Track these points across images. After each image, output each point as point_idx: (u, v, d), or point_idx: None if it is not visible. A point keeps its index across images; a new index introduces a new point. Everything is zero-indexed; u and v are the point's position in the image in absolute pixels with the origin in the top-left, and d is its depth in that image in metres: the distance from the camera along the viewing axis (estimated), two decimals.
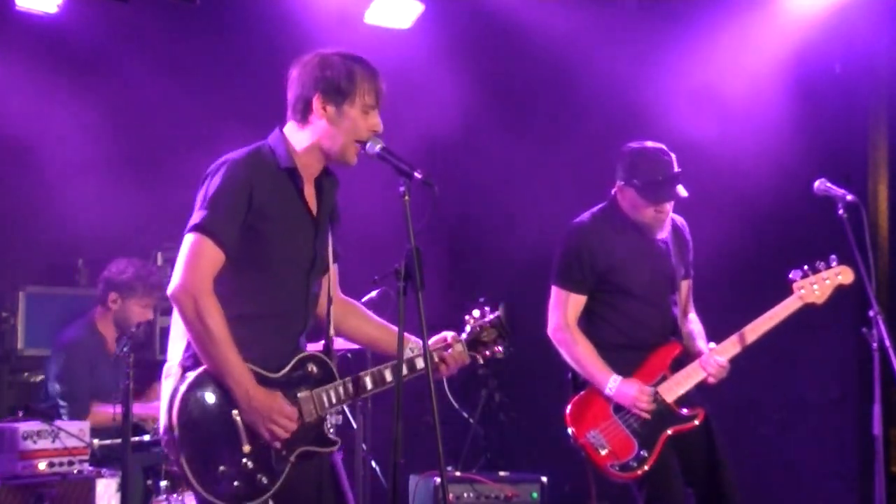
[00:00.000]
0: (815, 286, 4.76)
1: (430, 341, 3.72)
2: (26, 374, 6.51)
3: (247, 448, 3.44)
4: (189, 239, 3.46)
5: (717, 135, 6.68)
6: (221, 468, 3.40)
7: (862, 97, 6.77)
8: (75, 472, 5.11)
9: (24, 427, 5.02)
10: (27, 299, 6.50)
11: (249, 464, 3.44)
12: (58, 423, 5.16)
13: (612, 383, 4.84)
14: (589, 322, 5.02)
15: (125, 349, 5.01)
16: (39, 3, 6.22)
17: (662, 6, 7.07)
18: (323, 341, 3.78)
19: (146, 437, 5.74)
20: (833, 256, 4.74)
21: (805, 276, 4.80)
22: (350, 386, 3.66)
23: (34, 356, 6.42)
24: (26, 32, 6.57)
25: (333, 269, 3.83)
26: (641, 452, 4.80)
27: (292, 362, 3.59)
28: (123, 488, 4.99)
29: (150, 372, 6.10)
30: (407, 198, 3.43)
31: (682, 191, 4.82)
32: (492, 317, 3.99)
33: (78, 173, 6.89)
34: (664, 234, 4.94)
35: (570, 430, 4.92)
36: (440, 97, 7.12)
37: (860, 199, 4.67)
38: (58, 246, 6.92)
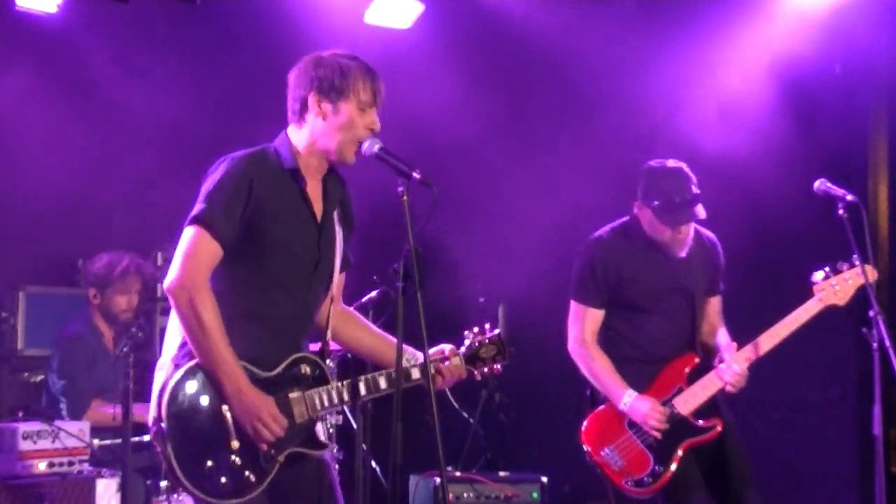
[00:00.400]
0: (837, 287, 4.72)
1: (430, 352, 3.70)
2: (26, 374, 6.51)
3: (235, 444, 3.42)
4: (187, 232, 3.47)
5: (717, 135, 6.67)
6: (209, 463, 3.39)
7: (862, 97, 6.77)
8: (75, 472, 5.11)
9: (24, 427, 5.02)
10: (27, 299, 6.50)
11: (237, 460, 3.42)
12: (58, 423, 5.16)
13: (627, 398, 4.83)
14: (605, 336, 5.01)
15: (125, 349, 5.01)
16: (39, 2, 6.22)
17: (662, 6, 7.07)
18: (319, 343, 3.78)
19: (146, 438, 5.74)
20: (855, 255, 4.69)
21: (826, 277, 4.74)
22: (343, 390, 3.64)
23: (34, 356, 6.42)
24: (26, 32, 6.57)
25: (341, 277, 3.83)
26: (656, 468, 4.79)
27: (286, 362, 3.58)
28: (123, 488, 4.99)
29: (150, 372, 6.10)
30: (406, 198, 3.43)
31: (700, 212, 4.79)
32: (492, 334, 3.96)
33: (78, 173, 6.89)
34: (684, 252, 4.91)
35: (585, 448, 4.91)
36: (440, 97, 7.12)
37: (860, 199, 4.66)
38: (58, 246, 6.92)
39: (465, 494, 6.34)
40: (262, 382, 3.49)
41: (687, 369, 4.88)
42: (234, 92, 7.03)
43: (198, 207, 3.47)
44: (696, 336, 5.00)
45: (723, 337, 4.98)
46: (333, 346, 3.88)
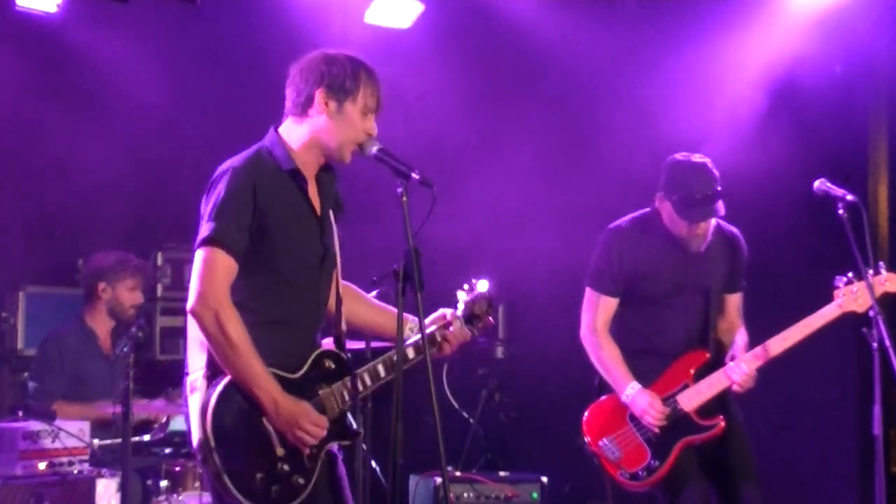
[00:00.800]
0: (858, 294, 4.69)
1: (429, 319, 3.77)
2: (26, 374, 6.50)
3: (280, 451, 3.46)
4: (201, 253, 3.46)
5: (717, 135, 6.67)
6: (259, 475, 3.42)
7: (862, 97, 6.77)
8: (75, 472, 5.11)
9: (24, 427, 5.02)
10: (27, 299, 6.51)
11: (285, 467, 3.46)
12: (58, 423, 5.15)
13: (630, 390, 4.82)
14: (618, 327, 5.00)
15: (125, 349, 5.01)
16: (39, 2, 6.22)
17: (662, 6, 7.07)
18: (332, 336, 3.79)
19: (146, 438, 5.74)
20: (881, 263, 4.64)
21: (849, 283, 4.70)
22: (366, 377, 3.69)
23: (34, 356, 6.42)
24: (26, 32, 6.57)
25: None
26: (653, 462, 4.79)
27: (309, 361, 3.61)
28: (123, 488, 4.99)
29: (150, 372, 6.11)
30: (405, 199, 3.44)
31: (720, 209, 4.77)
32: (482, 290, 4.00)
33: (77, 173, 6.89)
34: (702, 248, 4.89)
35: (585, 437, 4.91)
36: (440, 97, 7.12)
37: (860, 199, 4.65)
38: (58, 246, 6.92)
39: (465, 494, 6.34)
40: (291, 385, 3.51)
41: (695, 366, 4.87)
42: (234, 92, 7.03)
43: (208, 227, 3.46)
44: (709, 333, 4.97)
45: (740, 336, 4.96)
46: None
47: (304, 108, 3.63)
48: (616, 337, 4.97)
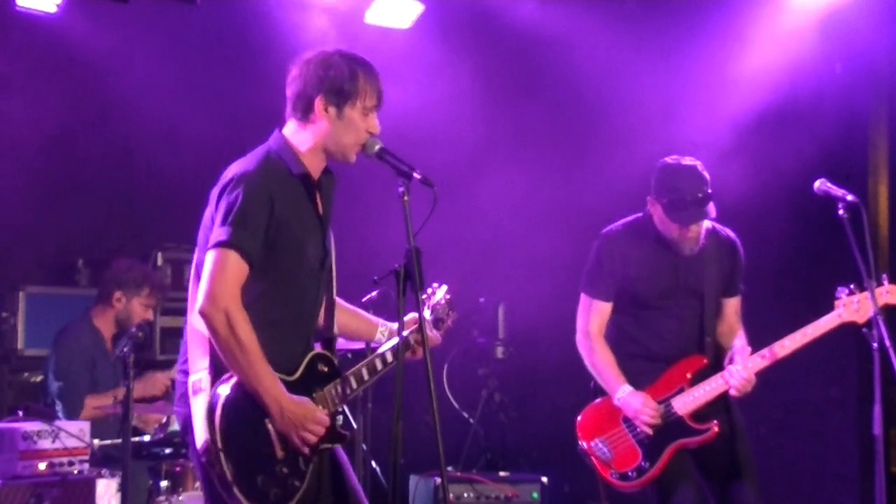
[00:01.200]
0: (857, 305, 4.67)
1: (406, 319, 3.79)
2: (26, 374, 6.51)
3: (280, 454, 3.48)
4: (213, 254, 3.44)
5: (717, 134, 6.68)
6: (261, 477, 3.43)
7: (862, 97, 6.77)
8: (75, 472, 5.10)
9: (24, 427, 5.02)
10: (27, 299, 6.51)
11: (284, 469, 3.48)
12: (58, 423, 5.15)
13: (622, 393, 4.82)
14: (613, 332, 5.00)
15: (125, 349, 5.01)
16: (39, 2, 6.22)
17: (663, 7, 7.07)
18: (323, 338, 3.80)
19: (146, 438, 5.74)
20: (885, 275, 4.63)
21: (851, 293, 4.69)
22: (352, 379, 3.73)
23: (34, 356, 6.42)
24: (26, 32, 6.58)
25: None
26: (643, 464, 4.79)
27: (304, 363, 3.62)
28: (123, 488, 4.98)
29: (149, 372, 6.10)
30: (406, 198, 3.44)
31: (711, 212, 4.78)
32: (441, 295, 4.14)
33: (77, 173, 6.89)
34: (694, 251, 4.89)
35: (578, 437, 4.92)
36: (440, 97, 7.12)
37: (860, 199, 4.64)
38: (58, 246, 6.92)
39: (465, 494, 6.35)
40: (290, 387, 3.52)
41: (691, 370, 4.86)
42: (234, 92, 7.03)
43: (224, 231, 3.44)
44: (705, 337, 4.97)
45: (739, 340, 4.95)
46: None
47: (305, 114, 3.62)
48: (611, 341, 4.98)
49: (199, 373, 3.49)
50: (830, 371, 6.76)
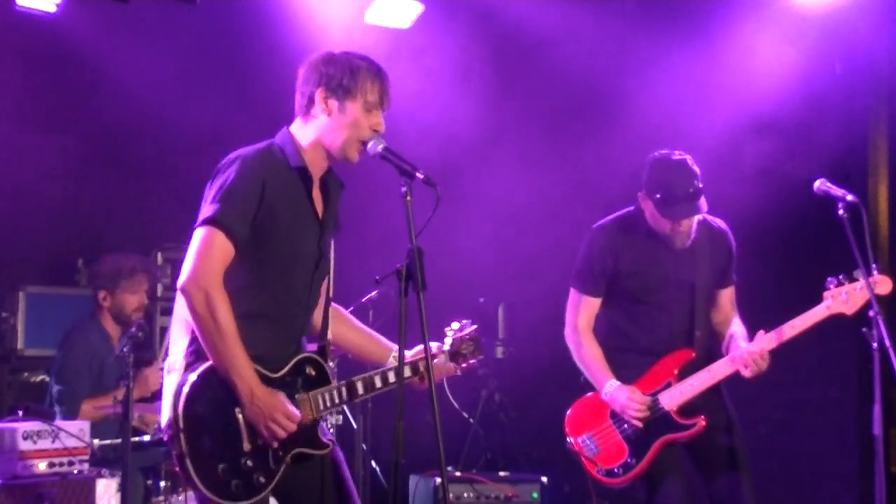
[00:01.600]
0: (846, 297, 4.66)
1: (412, 352, 3.77)
2: (26, 374, 6.52)
3: (247, 447, 3.45)
4: (200, 232, 3.46)
5: (717, 134, 6.68)
6: (222, 466, 3.41)
7: (862, 97, 6.78)
8: (75, 472, 5.11)
9: (24, 427, 5.02)
10: (27, 299, 6.51)
11: (249, 462, 3.45)
12: (58, 422, 5.15)
13: (609, 388, 4.83)
14: (603, 326, 5.01)
15: (125, 349, 5.01)
16: (39, 2, 6.21)
17: (663, 7, 7.07)
18: (317, 343, 3.79)
19: (146, 438, 5.74)
20: (874, 266, 4.62)
21: (839, 285, 4.69)
22: (343, 390, 3.69)
23: (34, 356, 6.43)
24: (27, 31, 6.57)
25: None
26: (629, 460, 4.80)
27: (291, 363, 3.60)
28: (123, 488, 4.99)
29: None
30: (408, 198, 3.44)
31: (702, 206, 4.77)
32: (469, 330, 4.05)
33: (77, 173, 6.89)
34: (686, 245, 4.89)
35: (566, 433, 4.93)
36: (440, 97, 7.12)
37: (860, 199, 4.65)
38: (58, 246, 6.92)
39: (465, 494, 6.35)
40: (269, 383, 3.51)
41: (679, 365, 4.87)
42: (233, 91, 7.03)
43: (211, 208, 3.46)
44: (694, 331, 4.98)
45: (736, 325, 4.96)
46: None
47: (307, 109, 3.64)
48: (601, 335, 4.99)
49: (176, 355, 3.52)
50: (830, 371, 6.76)
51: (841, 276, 4.70)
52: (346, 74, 3.59)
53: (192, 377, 3.42)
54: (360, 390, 3.72)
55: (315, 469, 3.62)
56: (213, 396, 3.43)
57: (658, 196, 4.77)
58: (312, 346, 3.79)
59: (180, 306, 3.50)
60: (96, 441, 5.36)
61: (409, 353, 3.75)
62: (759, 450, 6.68)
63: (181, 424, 3.37)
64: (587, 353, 4.93)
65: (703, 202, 4.77)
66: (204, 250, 3.43)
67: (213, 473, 3.39)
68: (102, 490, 5.15)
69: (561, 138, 7.57)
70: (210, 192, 3.51)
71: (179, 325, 3.55)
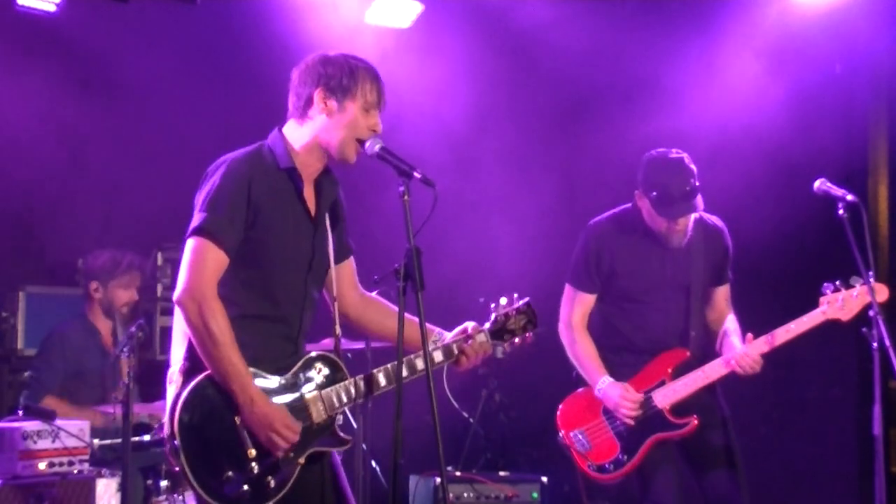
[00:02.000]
0: (842, 303, 4.67)
1: (451, 333, 3.77)
2: (26, 374, 6.50)
3: (252, 452, 3.45)
4: (191, 243, 3.47)
5: (717, 134, 6.68)
6: (228, 473, 3.41)
7: (862, 97, 6.78)
8: (75, 472, 5.10)
9: (24, 427, 5.01)
10: (27, 299, 6.51)
11: (256, 468, 3.45)
12: (58, 422, 5.15)
13: (602, 384, 4.85)
14: (598, 323, 5.02)
15: (125, 349, 5.01)
16: (39, 1, 6.21)
17: (663, 6, 7.07)
18: (329, 340, 3.79)
19: (146, 437, 5.73)
20: (871, 273, 4.62)
21: (835, 290, 4.70)
22: (361, 384, 3.67)
23: (34, 356, 6.41)
24: (27, 31, 6.57)
25: (349, 263, 3.86)
26: (621, 457, 4.81)
27: (299, 363, 3.61)
28: (123, 488, 4.98)
29: (149, 372, 6.10)
30: (406, 198, 3.44)
31: (698, 205, 4.78)
32: (521, 304, 3.95)
33: (78, 173, 6.88)
34: (682, 243, 4.89)
35: (558, 428, 4.94)
36: (440, 96, 7.12)
37: (860, 199, 4.65)
38: (58, 246, 6.92)
39: (465, 494, 6.34)
40: (278, 389, 3.51)
41: (674, 364, 4.88)
42: (233, 91, 7.03)
43: (200, 217, 3.47)
44: (689, 330, 4.98)
45: (730, 322, 4.97)
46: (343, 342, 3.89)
47: (304, 110, 3.64)
48: (596, 333, 5.00)
49: (174, 366, 3.53)
50: (830, 371, 6.76)
51: (838, 282, 4.70)
52: (345, 74, 3.60)
53: (189, 388, 3.43)
54: (383, 382, 3.69)
55: (317, 469, 3.62)
56: (211, 406, 3.43)
57: (654, 195, 4.78)
58: (317, 345, 3.79)
59: (178, 319, 3.51)
60: (96, 441, 5.36)
61: (448, 335, 3.76)
62: (759, 450, 6.70)
63: (177, 437, 3.37)
64: (581, 350, 4.95)
65: (699, 201, 4.77)
66: (195, 262, 3.45)
67: (217, 482, 3.40)
68: (102, 490, 5.14)
69: (561, 137, 7.57)
70: (198, 200, 3.52)
71: (177, 335, 3.56)
